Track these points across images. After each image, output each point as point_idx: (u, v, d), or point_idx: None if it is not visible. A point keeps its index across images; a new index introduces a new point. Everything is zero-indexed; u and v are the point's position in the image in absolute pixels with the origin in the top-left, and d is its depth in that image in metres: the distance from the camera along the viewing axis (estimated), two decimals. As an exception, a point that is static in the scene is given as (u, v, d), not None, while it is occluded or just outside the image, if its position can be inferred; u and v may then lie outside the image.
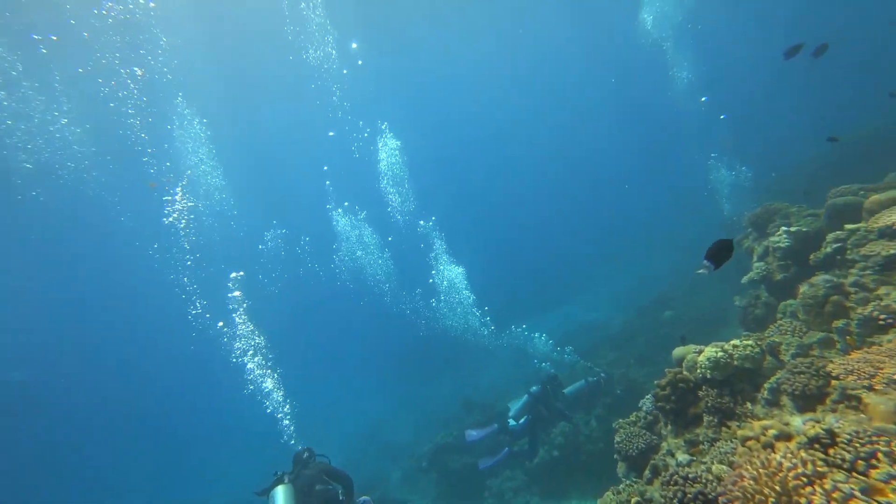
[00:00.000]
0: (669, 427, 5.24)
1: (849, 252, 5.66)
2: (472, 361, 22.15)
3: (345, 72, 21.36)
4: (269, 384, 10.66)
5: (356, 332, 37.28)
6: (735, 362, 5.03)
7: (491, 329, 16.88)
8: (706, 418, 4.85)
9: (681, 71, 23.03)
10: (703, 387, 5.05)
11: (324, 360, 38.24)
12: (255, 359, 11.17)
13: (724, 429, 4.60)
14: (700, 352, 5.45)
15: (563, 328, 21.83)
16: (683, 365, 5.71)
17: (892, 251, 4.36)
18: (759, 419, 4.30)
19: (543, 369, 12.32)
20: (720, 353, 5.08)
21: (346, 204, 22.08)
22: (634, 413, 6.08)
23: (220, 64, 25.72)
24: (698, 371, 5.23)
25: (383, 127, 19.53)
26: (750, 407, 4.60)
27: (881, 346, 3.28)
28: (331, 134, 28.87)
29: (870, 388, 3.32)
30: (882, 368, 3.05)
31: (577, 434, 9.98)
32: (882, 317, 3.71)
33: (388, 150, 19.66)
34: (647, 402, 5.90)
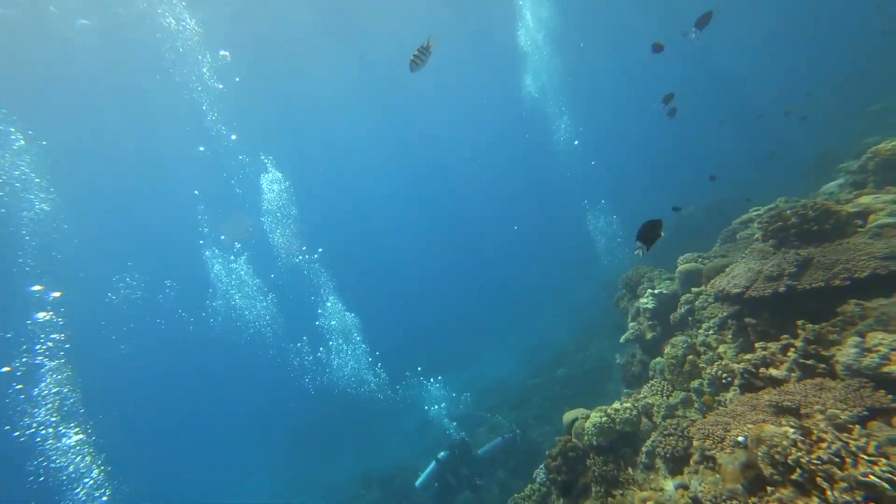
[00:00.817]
0: (561, 501, 5.04)
1: (697, 313, 6.45)
2: (377, 426, 20.39)
3: (220, 86, 19.19)
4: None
5: (239, 394, 32.41)
6: (617, 426, 5.15)
7: (396, 389, 15.85)
8: (594, 488, 4.76)
9: (560, 123, 25.17)
10: (591, 454, 5.03)
11: (202, 430, 32.21)
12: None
13: (609, 499, 4.53)
14: (587, 417, 5.53)
15: (472, 385, 21.64)
16: (573, 431, 5.73)
17: (724, 313, 5.01)
18: (640, 487, 4.33)
19: (451, 435, 11.81)
20: (604, 419, 5.18)
21: (222, 238, 19.73)
22: (529, 485, 5.83)
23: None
24: (586, 438, 5.25)
25: (266, 161, 17.93)
26: (631, 472, 4.64)
27: (727, 406, 3.53)
28: (201, 149, 24.45)
29: (722, 449, 3.50)
30: (729, 431, 3.25)
31: (481, 507, 9.38)
32: (723, 375, 4.10)
33: (273, 182, 17.92)
34: (540, 473, 5.71)
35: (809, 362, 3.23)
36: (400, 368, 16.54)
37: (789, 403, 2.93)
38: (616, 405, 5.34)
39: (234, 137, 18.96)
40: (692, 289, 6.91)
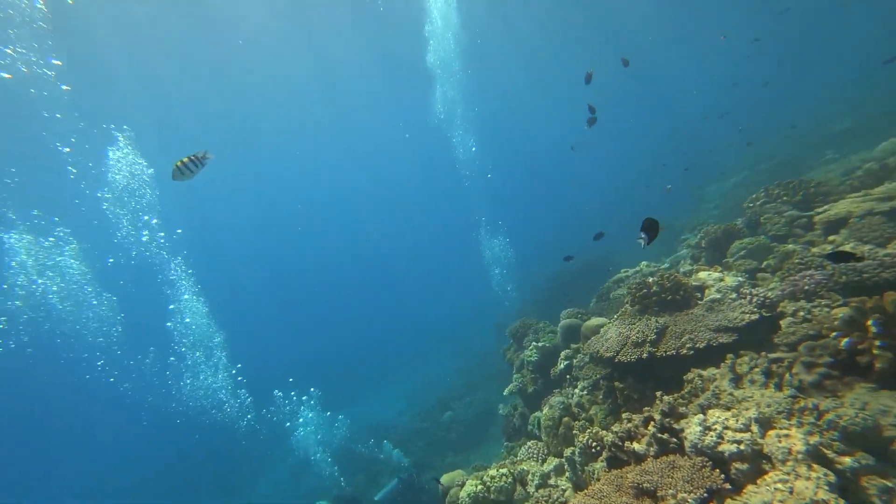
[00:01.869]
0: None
1: (575, 370, 6.79)
2: (243, 468, 17.31)
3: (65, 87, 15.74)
4: None
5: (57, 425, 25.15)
6: (492, 496, 4.93)
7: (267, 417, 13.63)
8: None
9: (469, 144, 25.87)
10: (465, 529, 4.69)
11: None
12: None
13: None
14: (462, 485, 5.23)
15: (357, 424, 20.22)
16: (447, 501, 5.36)
17: (597, 375, 5.29)
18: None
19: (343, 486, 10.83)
20: (479, 487, 4.93)
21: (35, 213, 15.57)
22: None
23: None
24: (461, 509, 4.92)
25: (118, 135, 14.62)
26: (505, 549, 4.39)
27: (595, 484, 3.52)
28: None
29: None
30: (596, 509, 3.20)
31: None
32: (594, 444, 4.19)
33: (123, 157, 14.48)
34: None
35: (664, 436, 3.41)
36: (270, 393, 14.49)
37: (648, 485, 2.99)
38: (492, 471, 5.16)
39: (57, 63, 14.87)
40: (571, 344, 7.31)
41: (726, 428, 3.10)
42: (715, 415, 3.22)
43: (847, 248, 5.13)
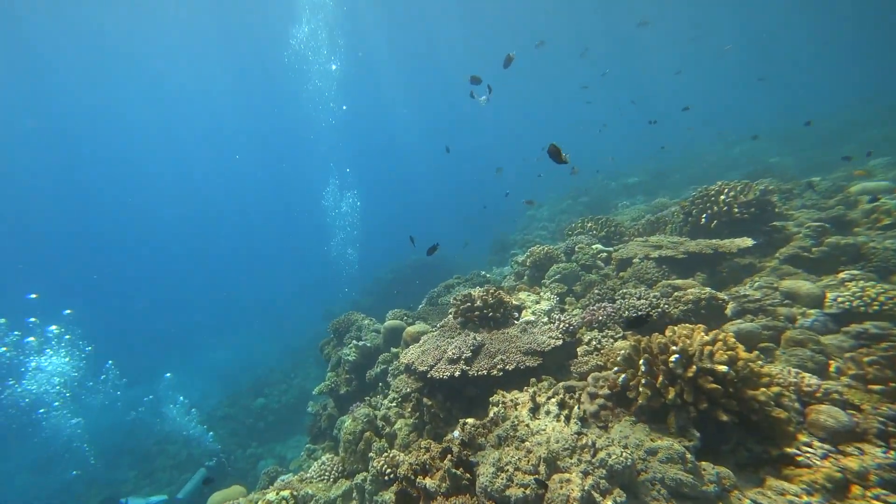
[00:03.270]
0: None
1: (390, 376, 6.36)
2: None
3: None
4: None
5: None
6: (262, 530, 4.03)
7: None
8: None
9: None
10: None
11: None
12: None
13: None
14: (227, 518, 4.17)
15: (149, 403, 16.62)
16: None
17: (408, 388, 4.91)
18: None
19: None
20: (246, 522, 3.96)
21: None
22: None
23: None
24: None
25: None
26: None
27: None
28: None
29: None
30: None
31: None
32: (388, 470, 3.72)
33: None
34: None
35: (458, 472, 3.13)
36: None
37: (429, 544, 2.60)
38: (270, 496, 4.25)
39: None
40: (392, 348, 6.88)
41: (517, 469, 2.96)
42: (509, 454, 3.05)
43: (637, 310, 6.02)
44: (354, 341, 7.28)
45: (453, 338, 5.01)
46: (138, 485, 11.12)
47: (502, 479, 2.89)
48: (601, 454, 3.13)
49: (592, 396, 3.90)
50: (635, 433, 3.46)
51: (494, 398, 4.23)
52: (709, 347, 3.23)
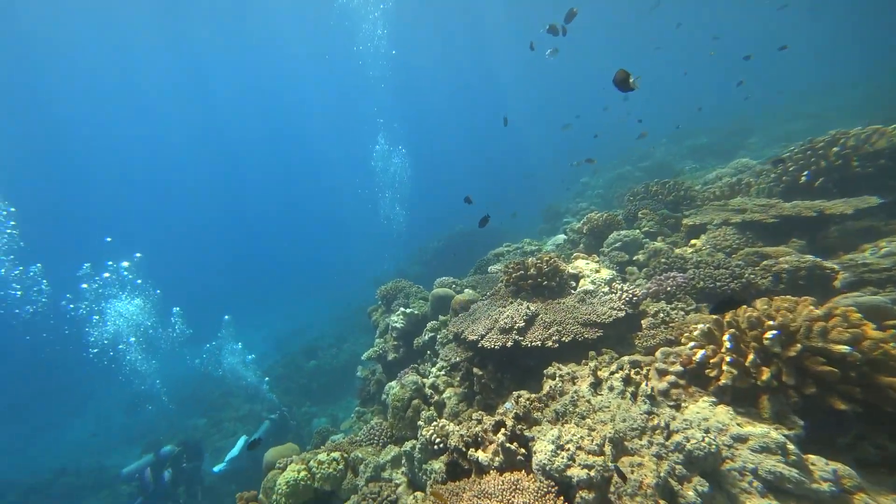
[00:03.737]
0: None
1: (438, 345, 6.26)
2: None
3: None
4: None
5: None
6: (316, 484, 4.14)
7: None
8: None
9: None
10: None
11: None
12: None
13: None
14: (284, 468, 4.32)
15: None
16: (263, 484, 4.43)
17: (458, 357, 4.75)
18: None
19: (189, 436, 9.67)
20: (302, 474, 4.07)
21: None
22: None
23: None
24: (274, 498, 4.04)
25: None
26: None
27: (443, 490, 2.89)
28: None
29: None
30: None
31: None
32: (437, 440, 3.61)
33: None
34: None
35: (513, 446, 2.92)
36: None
37: (483, 517, 2.43)
38: (322, 456, 4.34)
39: None
40: (440, 316, 6.75)
41: (580, 448, 2.68)
42: (570, 432, 2.77)
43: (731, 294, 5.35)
44: (402, 308, 7.25)
45: (505, 307, 4.73)
46: (208, 433, 12.30)
47: (563, 458, 2.63)
48: (677, 437, 2.77)
49: (661, 373, 3.49)
50: (717, 416, 3.03)
51: (550, 370, 3.94)
52: (821, 323, 2.68)
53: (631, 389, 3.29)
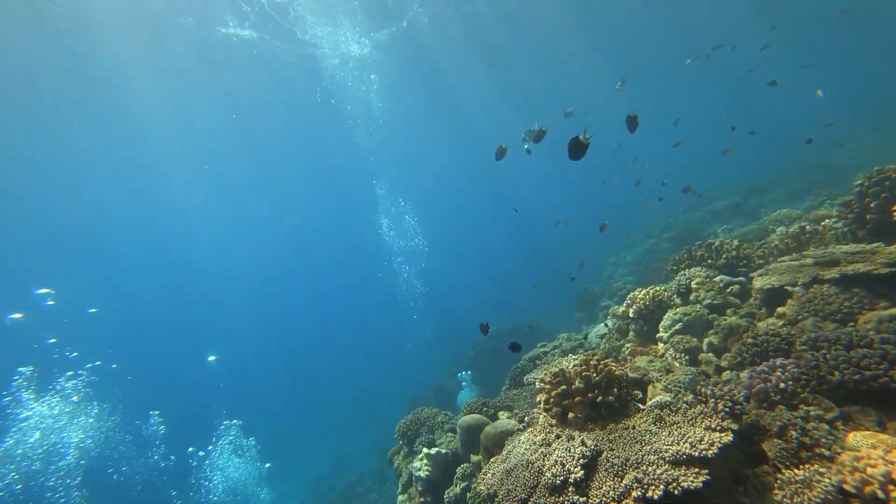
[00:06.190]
0: None
1: (469, 496, 4.66)
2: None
3: None
4: None
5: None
6: None
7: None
8: None
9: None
10: None
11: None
12: None
13: None
14: None
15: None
16: None
17: (499, 533, 3.23)
18: None
19: None
20: None
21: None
22: None
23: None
24: None
25: None
26: None
27: None
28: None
29: None
30: None
31: None
32: None
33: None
34: None
35: None
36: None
37: None
38: None
39: None
40: (472, 455, 5.23)
41: None
42: None
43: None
44: (425, 448, 5.75)
45: (550, 444, 3.35)
46: None
47: None
48: None
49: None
50: None
51: (644, 558, 2.43)
52: None
53: None
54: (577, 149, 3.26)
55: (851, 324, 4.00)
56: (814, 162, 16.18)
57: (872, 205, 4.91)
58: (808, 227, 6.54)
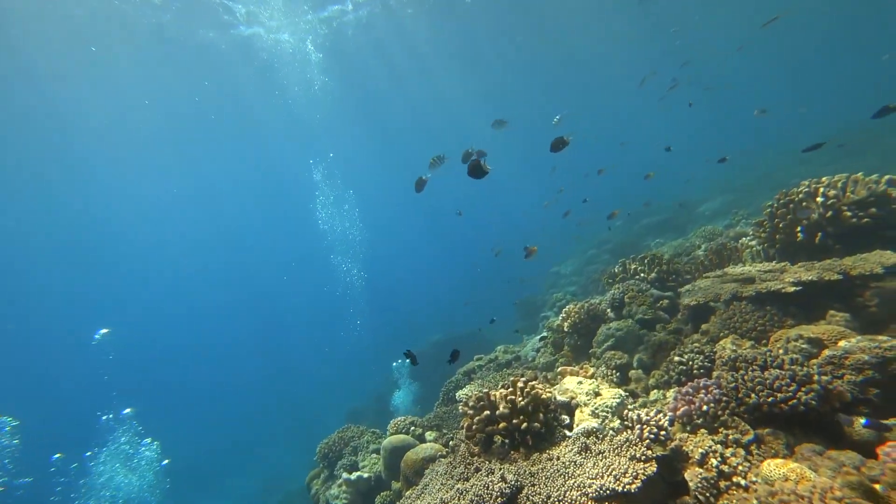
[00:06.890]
0: None
1: (390, 534, 4.21)
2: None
3: None
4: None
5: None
6: None
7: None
8: None
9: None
10: None
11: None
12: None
13: None
14: None
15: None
16: None
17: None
18: None
19: None
20: None
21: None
22: None
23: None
24: None
25: None
26: None
27: None
28: None
29: None
30: None
31: None
32: None
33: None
34: None
35: None
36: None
37: None
38: None
39: None
40: (393, 481, 4.79)
41: None
42: None
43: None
44: (345, 474, 5.22)
45: (468, 479, 3.02)
46: None
47: None
48: None
49: None
50: None
51: None
52: None
53: None
54: (476, 171, 3.64)
55: (764, 341, 4.11)
56: (738, 181, 17.63)
57: (781, 225, 5.17)
58: (727, 244, 6.89)
